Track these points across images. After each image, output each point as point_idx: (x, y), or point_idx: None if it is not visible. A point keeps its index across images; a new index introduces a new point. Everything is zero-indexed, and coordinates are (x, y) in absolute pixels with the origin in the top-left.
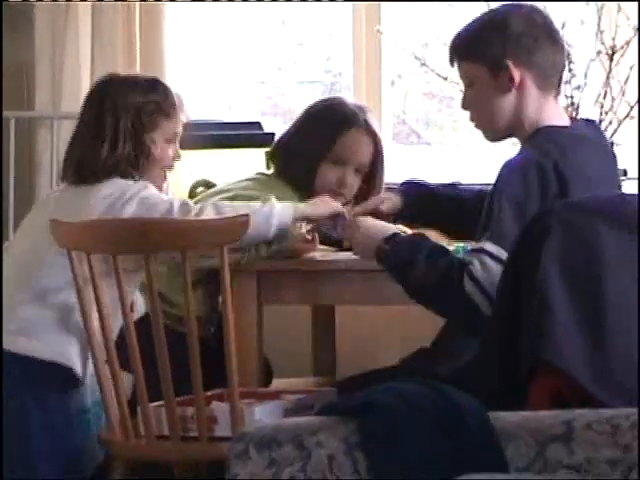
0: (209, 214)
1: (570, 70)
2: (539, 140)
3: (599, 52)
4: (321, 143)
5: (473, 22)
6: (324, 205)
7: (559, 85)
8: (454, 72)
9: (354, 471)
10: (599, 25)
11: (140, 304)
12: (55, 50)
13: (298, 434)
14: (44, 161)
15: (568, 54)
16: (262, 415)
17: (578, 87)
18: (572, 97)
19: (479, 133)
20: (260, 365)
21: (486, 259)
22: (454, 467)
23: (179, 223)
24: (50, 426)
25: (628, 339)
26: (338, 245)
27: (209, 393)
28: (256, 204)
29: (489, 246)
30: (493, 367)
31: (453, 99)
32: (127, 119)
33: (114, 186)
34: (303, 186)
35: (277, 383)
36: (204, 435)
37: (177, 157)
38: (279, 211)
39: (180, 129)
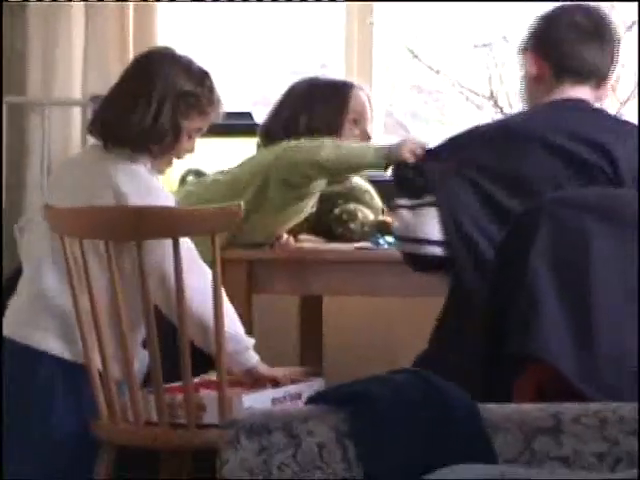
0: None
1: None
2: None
3: None
4: (337, 110)
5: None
6: (411, 145)
7: (590, 77)
8: (444, 65)
9: (344, 459)
10: None
11: None
12: (48, 37)
13: (289, 422)
14: (35, 145)
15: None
16: (250, 403)
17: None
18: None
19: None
20: None
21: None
22: (443, 457)
23: (172, 211)
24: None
25: (615, 335)
26: (328, 236)
27: (197, 380)
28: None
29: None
30: (478, 359)
31: (440, 92)
32: (172, 99)
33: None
34: None
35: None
36: (192, 422)
37: (191, 151)
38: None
39: (206, 128)
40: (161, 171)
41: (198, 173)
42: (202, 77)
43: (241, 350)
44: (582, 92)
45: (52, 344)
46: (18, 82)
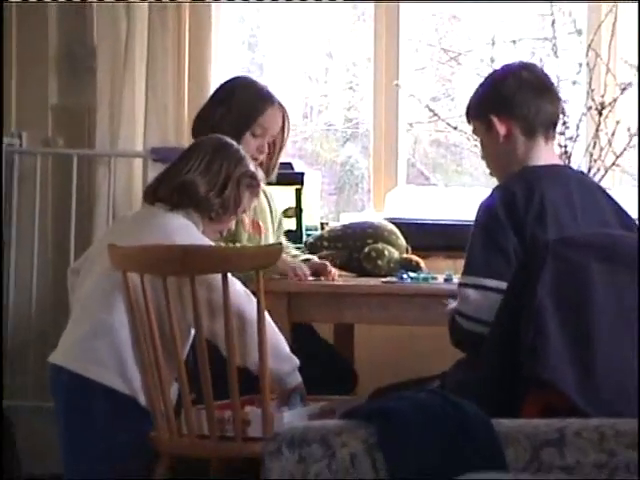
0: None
1: (564, 123)
2: (513, 176)
3: (589, 108)
4: (245, 119)
5: (479, 85)
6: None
7: (550, 129)
8: (461, 122)
9: (373, 468)
10: (590, 84)
11: None
12: (114, 95)
13: (324, 435)
14: (102, 195)
15: (561, 102)
16: (290, 419)
17: (571, 138)
18: (565, 146)
19: (479, 176)
20: None
21: (462, 291)
22: (460, 465)
23: (220, 250)
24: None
25: (614, 362)
26: (358, 271)
27: (243, 398)
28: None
29: (461, 279)
30: (491, 381)
31: (457, 146)
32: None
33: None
34: None
35: None
36: (239, 435)
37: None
38: None
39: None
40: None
41: None
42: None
43: (290, 371)
44: (552, 148)
45: (112, 379)
46: (88, 137)
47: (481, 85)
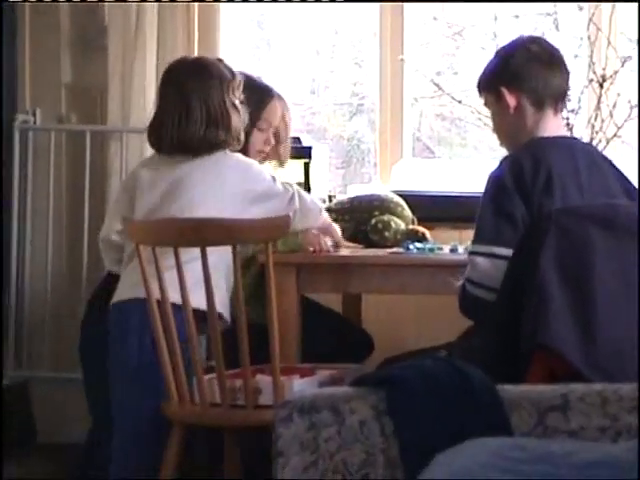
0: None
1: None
2: (522, 148)
3: (591, 80)
4: (251, 117)
5: (491, 58)
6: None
7: (559, 101)
8: (465, 96)
9: (382, 434)
10: (591, 57)
11: None
12: (125, 72)
13: (334, 402)
14: (114, 170)
15: (569, 75)
16: (300, 387)
17: (573, 110)
18: (567, 119)
19: (483, 149)
20: (299, 344)
21: (472, 259)
22: (466, 431)
23: (230, 222)
24: None
25: (615, 328)
26: (365, 242)
27: (254, 367)
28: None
29: (471, 247)
30: (496, 348)
31: (461, 120)
32: None
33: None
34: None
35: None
36: (250, 403)
37: None
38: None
39: None
40: None
41: None
42: None
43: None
44: (560, 120)
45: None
46: (100, 113)
47: (492, 58)
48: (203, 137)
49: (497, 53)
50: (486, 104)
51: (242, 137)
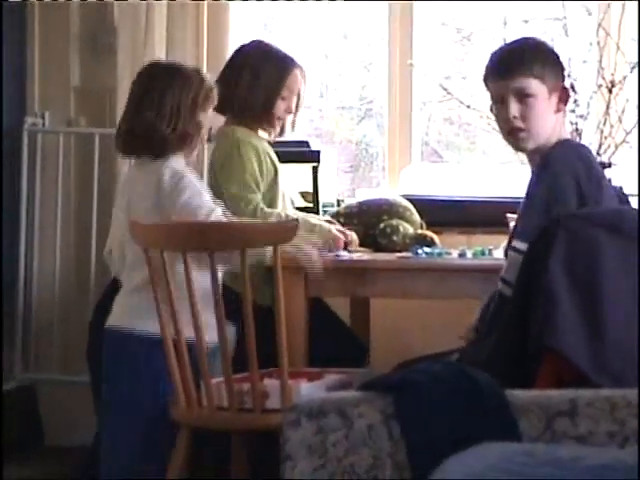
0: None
1: (575, 101)
2: (567, 150)
3: (600, 86)
4: (275, 85)
5: (520, 43)
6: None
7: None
8: (474, 101)
9: (390, 438)
10: (600, 62)
11: None
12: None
13: (342, 406)
14: (123, 173)
15: (572, 85)
16: (308, 391)
17: (582, 116)
18: (576, 124)
19: (491, 154)
20: (307, 348)
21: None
22: (474, 435)
23: (239, 225)
24: None
25: (623, 332)
26: (374, 247)
27: (262, 371)
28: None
29: (514, 243)
30: (505, 353)
31: (470, 124)
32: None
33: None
34: (263, 121)
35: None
36: (258, 407)
37: None
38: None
39: None
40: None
41: None
42: None
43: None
44: None
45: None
46: (109, 116)
47: (536, 44)
48: (148, 129)
49: (534, 41)
50: (523, 89)
51: (191, 141)
